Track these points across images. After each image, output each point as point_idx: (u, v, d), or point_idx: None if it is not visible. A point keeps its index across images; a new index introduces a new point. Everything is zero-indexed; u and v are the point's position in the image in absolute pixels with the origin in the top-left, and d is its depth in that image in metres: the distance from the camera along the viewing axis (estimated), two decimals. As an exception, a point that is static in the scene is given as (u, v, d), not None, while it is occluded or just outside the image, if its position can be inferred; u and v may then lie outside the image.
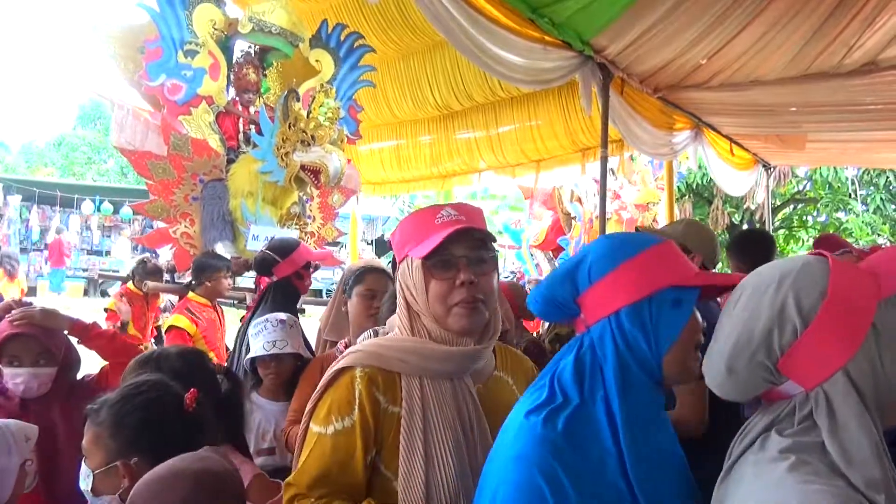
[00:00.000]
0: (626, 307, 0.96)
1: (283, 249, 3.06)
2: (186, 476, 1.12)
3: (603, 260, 1.00)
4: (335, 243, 6.20)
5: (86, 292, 14.83)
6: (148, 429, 1.32)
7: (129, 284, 4.81)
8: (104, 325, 4.32)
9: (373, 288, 2.31)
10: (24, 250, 16.61)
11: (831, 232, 11.80)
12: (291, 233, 4.07)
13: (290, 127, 3.97)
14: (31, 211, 16.70)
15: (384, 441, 1.14)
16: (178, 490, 1.09)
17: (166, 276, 4.42)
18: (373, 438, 1.13)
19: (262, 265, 3.10)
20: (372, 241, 18.25)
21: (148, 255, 4.61)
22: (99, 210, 16.50)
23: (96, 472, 1.30)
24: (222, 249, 4.00)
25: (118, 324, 4.44)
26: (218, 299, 3.83)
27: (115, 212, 16.80)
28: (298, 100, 4.13)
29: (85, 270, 15.22)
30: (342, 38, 4.74)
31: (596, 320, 0.99)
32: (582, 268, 1.02)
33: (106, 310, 4.65)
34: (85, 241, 17.64)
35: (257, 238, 3.90)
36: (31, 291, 14.56)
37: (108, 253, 17.76)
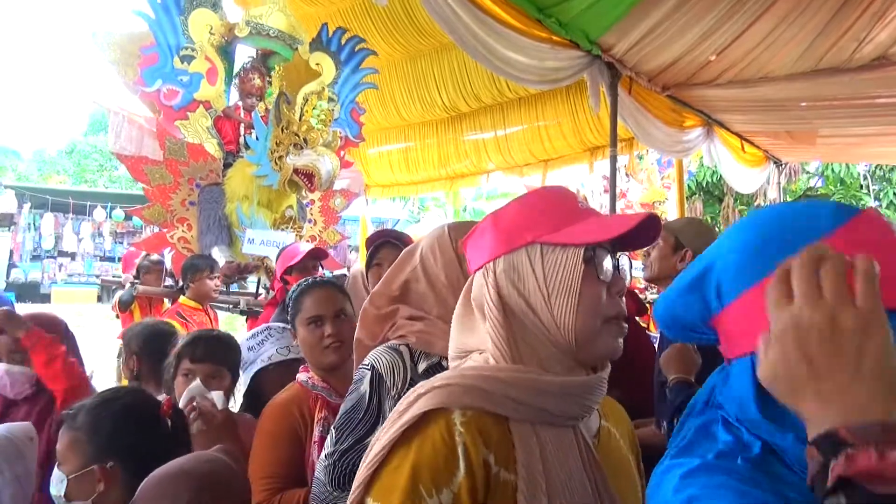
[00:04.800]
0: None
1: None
2: (194, 476, 1.13)
3: (736, 271, 0.66)
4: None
5: (99, 298, 14.98)
6: (125, 433, 1.31)
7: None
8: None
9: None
10: (36, 258, 16.77)
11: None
12: (286, 236, 4.03)
13: (282, 130, 3.98)
14: (44, 218, 16.87)
15: None
16: (184, 489, 1.10)
17: (169, 281, 4.40)
18: None
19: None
20: (381, 244, 18.19)
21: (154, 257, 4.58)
22: (111, 217, 16.65)
23: (71, 476, 1.28)
24: (218, 254, 3.98)
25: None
26: (210, 303, 3.72)
27: (128, 218, 16.94)
28: (289, 103, 4.12)
29: (97, 277, 15.38)
30: (343, 42, 4.71)
31: (736, 356, 0.67)
32: (709, 278, 0.69)
33: (114, 308, 4.60)
34: (98, 247, 17.80)
35: (252, 242, 3.86)
36: (45, 298, 14.71)
37: (120, 259, 17.89)
